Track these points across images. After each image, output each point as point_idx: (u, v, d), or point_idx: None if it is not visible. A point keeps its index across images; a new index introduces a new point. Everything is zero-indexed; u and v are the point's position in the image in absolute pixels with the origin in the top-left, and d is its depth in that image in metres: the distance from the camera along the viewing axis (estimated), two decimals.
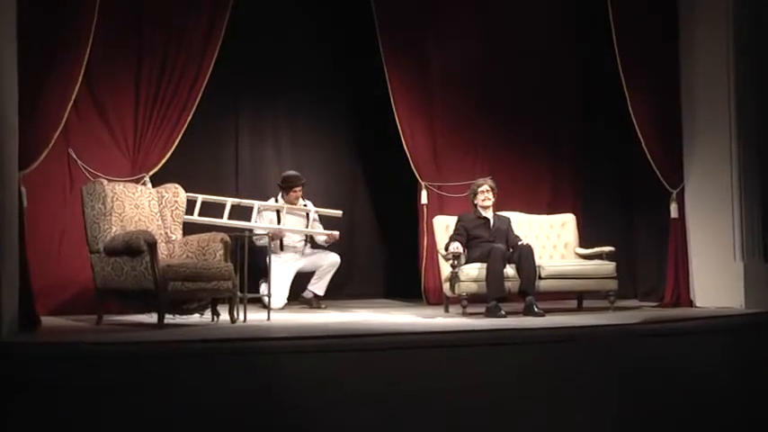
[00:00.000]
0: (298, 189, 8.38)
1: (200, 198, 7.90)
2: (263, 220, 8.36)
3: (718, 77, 7.83)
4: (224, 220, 7.99)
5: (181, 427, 4.93)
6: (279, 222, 8.38)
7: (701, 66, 7.98)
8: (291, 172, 8.50)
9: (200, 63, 7.55)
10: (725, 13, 7.80)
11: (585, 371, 5.72)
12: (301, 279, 8.42)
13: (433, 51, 8.64)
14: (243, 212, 8.30)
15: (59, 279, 7.23)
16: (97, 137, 7.49)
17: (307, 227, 8.46)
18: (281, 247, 8.32)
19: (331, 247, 8.53)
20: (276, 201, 8.46)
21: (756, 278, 7.58)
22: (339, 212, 8.63)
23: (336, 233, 8.41)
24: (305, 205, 8.51)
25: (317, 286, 8.34)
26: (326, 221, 8.69)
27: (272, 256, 7.78)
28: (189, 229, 7.38)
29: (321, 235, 8.43)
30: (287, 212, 8.37)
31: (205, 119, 8.12)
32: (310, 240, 8.52)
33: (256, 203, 8.31)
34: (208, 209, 8.04)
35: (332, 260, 8.38)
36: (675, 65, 8.10)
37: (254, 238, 7.96)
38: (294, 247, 8.42)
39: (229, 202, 8.09)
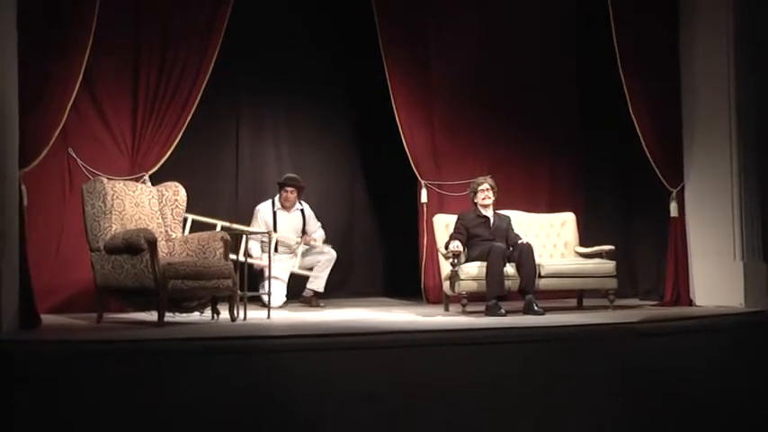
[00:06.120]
0: (290, 189, 8.40)
1: (190, 218, 7.80)
2: (257, 222, 8.37)
3: (718, 77, 7.82)
4: (222, 222, 8.03)
5: (181, 424, 4.94)
6: (274, 223, 8.38)
7: (701, 65, 7.97)
8: (291, 174, 8.54)
9: (199, 63, 7.53)
10: (725, 12, 7.79)
11: (585, 369, 5.73)
12: (300, 278, 8.43)
13: (433, 50, 8.64)
14: (239, 216, 8.36)
15: (59, 277, 7.24)
16: (96, 136, 7.47)
17: (303, 229, 8.46)
18: (276, 249, 8.31)
19: (328, 243, 8.55)
20: (273, 203, 8.47)
21: (756, 277, 7.58)
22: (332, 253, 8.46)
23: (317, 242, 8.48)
24: (301, 210, 8.53)
25: (316, 283, 8.33)
26: (328, 217, 8.79)
27: (266, 256, 7.78)
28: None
29: (312, 243, 8.45)
30: (280, 211, 8.42)
31: (205, 119, 8.11)
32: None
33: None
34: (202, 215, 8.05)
35: (328, 256, 8.39)
36: (675, 64, 8.09)
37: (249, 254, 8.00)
38: (288, 246, 8.43)
39: (219, 224, 8.00)
